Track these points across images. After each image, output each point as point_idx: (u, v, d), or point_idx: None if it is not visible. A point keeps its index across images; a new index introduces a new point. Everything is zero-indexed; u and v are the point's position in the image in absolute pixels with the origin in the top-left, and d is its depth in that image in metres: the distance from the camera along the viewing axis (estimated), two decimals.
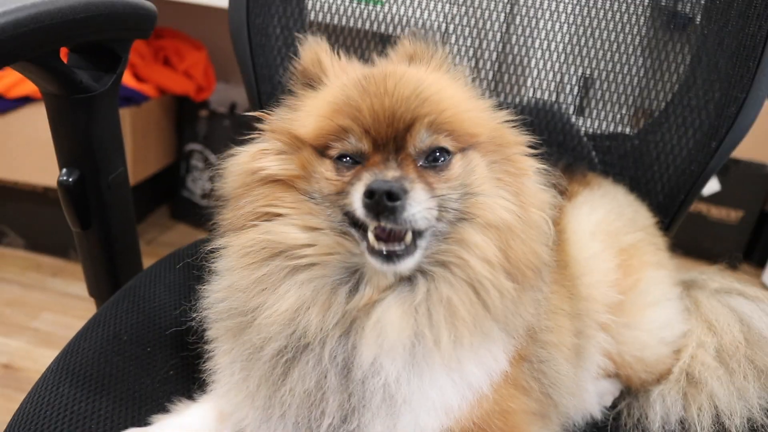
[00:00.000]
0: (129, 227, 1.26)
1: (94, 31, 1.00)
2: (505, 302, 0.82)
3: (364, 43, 1.48)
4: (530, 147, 0.93)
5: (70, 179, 1.11)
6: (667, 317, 1.16)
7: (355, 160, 0.81)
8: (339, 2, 1.42)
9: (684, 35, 1.38)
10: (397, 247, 0.76)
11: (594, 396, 1.12)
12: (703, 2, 1.35)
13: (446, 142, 0.82)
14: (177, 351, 1.06)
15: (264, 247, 0.82)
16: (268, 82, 1.40)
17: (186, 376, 1.02)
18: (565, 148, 1.43)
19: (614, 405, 1.16)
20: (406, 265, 0.77)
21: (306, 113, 0.87)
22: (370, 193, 0.73)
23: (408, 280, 0.81)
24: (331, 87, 0.88)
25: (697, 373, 1.13)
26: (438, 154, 0.82)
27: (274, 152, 0.88)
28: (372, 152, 0.80)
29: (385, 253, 0.76)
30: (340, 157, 0.82)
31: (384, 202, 0.72)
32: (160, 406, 0.95)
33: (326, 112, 0.83)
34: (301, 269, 0.81)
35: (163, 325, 1.12)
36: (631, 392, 1.16)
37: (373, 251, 0.76)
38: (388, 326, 0.78)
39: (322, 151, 0.83)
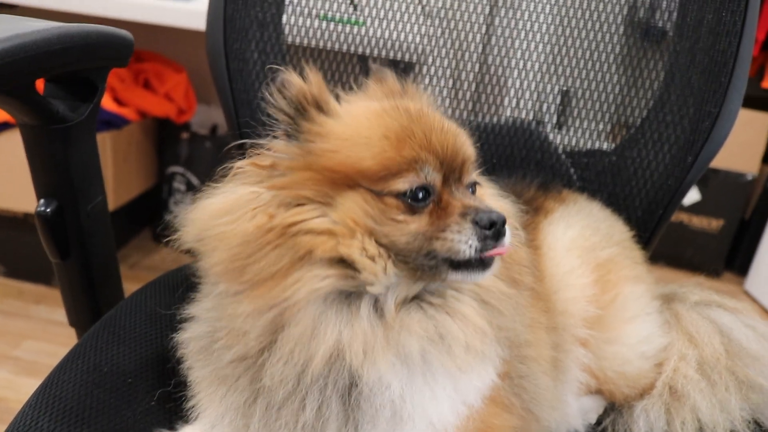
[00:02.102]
0: (109, 256, 1.25)
1: (70, 61, 1.00)
2: (509, 307, 0.88)
3: (342, 65, 1.49)
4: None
5: (48, 210, 1.10)
6: (647, 331, 1.17)
7: (426, 194, 0.80)
8: (316, 25, 1.43)
9: (658, 51, 1.40)
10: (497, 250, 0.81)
11: (577, 413, 1.12)
12: (674, 19, 1.37)
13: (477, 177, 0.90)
14: (159, 381, 1.04)
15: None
16: (247, 107, 1.41)
17: (168, 406, 1.01)
18: (543, 166, 1.44)
19: (599, 421, 1.17)
20: (494, 268, 0.82)
21: (351, 143, 0.80)
22: (492, 224, 0.78)
23: (418, 297, 0.83)
24: (359, 115, 0.85)
25: (680, 386, 1.13)
26: (472, 189, 0.88)
27: (282, 202, 0.79)
28: (441, 185, 0.82)
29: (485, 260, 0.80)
30: (404, 193, 0.79)
31: (502, 229, 0.79)
32: None
33: (390, 143, 0.80)
34: (330, 306, 0.79)
35: (145, 355, 1.11)
36: (615, 408, 1.17)
37: (476, 264, 0.80)
38: (405, 332, 0.79)
39: (378, 189, 0.79)
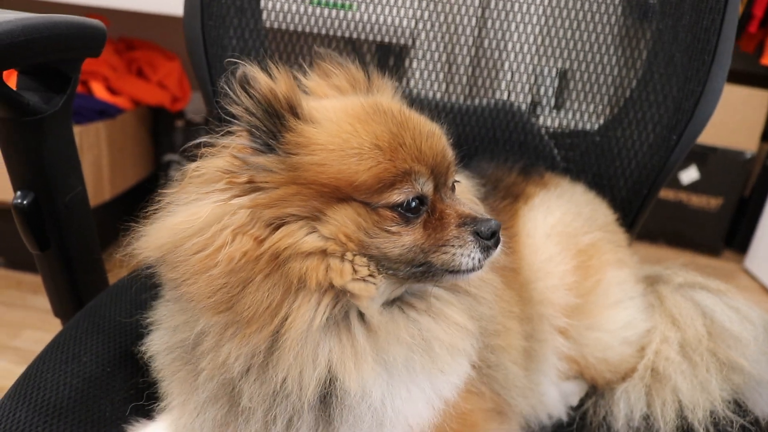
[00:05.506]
0: (90, 246, 1.25)
1: (38, 53, 0.99)
2: (487, 293, 0.89)
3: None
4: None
5: (25, 201, 1.10)
6: (630, 317, 1.17)
7: (420, 203, 0.79)
8: (294, 9, 1.42)
9: (640, 29, 1.38)
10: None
11: (557, 397, 1.12)
12: None
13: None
14: (138, 369, 1.04)
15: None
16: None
17: (146, 394, 1.01)
18: (527, 148, 1.43)
19: (581, 404, 1.17)
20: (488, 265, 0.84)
21: (341, 155, 0.76)
22: (493, 234, 0.80)
23: (399, 299, 0.83)
24: (340, 120, 0.80)
25: (662, 368, 1.13)
26: (452, 188, 0.87)
27: (267, 222, 0.75)
28: (433, 192, 0.81)
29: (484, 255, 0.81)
30: (400, 204, 0.77)
31: (499, 236, 0.81)
32: (119, 428, 0.94)
33: (382, 153, 0.77)
34: (322, 331, 0.76)
35: (124, 344, 1.11)
36: (597, 391, 1.17)
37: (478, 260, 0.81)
38: (392, 340, 0.78)
39: (372, 202, 0.76)
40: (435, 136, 0.83)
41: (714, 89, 1.31)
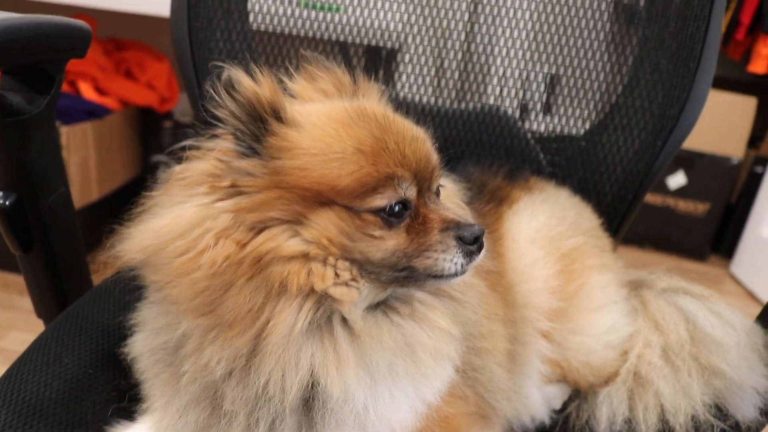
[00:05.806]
0: (74, 247, 1.25)
1: (21, 54, 0.98)
2: (472, 297, 0.89)
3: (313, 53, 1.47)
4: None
5: (7, 202, 1.10)
6: (613, 321, 1.17)
7: (403, 208, 0.79)
8: (282, 11, 1.41)
9: (627, 37, 1.39)
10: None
11: (540, 400, 1.12)
12: (643, 3, 1.36)
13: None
14: (120, 371, 1.04)
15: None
16: None
17: (129, 396, 1.00)
18: (513, 152, 1.44)
19: (564, 407, 1.17)
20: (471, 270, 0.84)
21: (323, 159, 0.76)
22: (476, 239, 0.80)
23: (383, 303, 0.83)
24: (324, 125, 0.79)
25: (644, 373, 1.14)
26: (437, 192, 0.87)
27: (249, 226, 0.75)
28: (416, 197, 0.81)
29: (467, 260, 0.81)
30: (383, 209, 0.77)
31: (482, 241, 0.81)
32: (100, 429, 0.94)
33: (365, 157, 0.76)
34: (304, 335, 0.76)
35: (107, 346, 1.11)
36: (580, 395, 1.17)
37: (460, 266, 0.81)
38: (375, 345, 0.79)
39: (355, 206, 0.76)
40: (419, 141, 0.83)
41: (699, 96, 1.32)
